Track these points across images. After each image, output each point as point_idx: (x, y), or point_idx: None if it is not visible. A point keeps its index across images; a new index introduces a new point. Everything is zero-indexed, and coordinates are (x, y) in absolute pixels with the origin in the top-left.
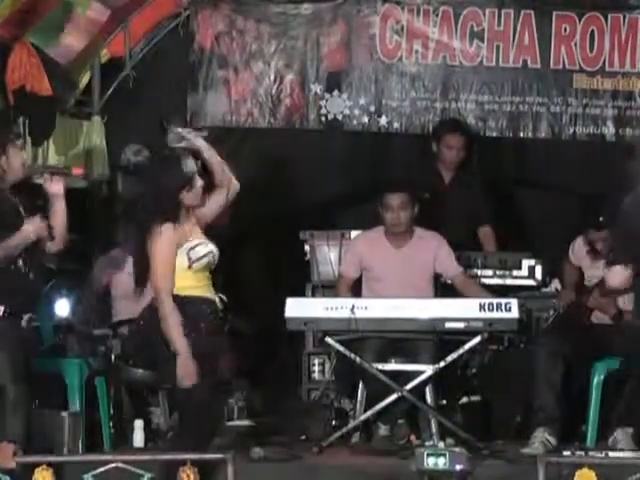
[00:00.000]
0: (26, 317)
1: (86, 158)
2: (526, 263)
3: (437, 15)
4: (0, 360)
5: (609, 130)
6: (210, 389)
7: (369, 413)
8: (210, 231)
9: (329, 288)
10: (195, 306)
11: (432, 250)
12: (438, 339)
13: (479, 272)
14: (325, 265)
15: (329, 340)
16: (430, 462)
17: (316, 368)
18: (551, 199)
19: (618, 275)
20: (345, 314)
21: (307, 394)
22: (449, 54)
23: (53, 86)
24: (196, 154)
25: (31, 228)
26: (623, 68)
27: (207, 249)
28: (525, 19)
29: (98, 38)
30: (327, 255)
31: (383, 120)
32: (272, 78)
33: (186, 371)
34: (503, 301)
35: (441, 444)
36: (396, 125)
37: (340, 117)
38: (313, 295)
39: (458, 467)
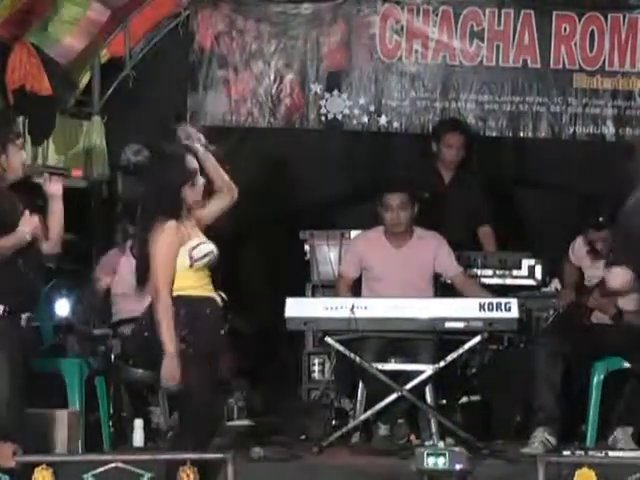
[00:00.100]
0: (25, 316)
1: (86, 158)
2: (526, 263)
3: (437, 15)
4: None
5: (609, 130)
6: (210, 389)
7: (369, 413)
8: (210, 231)
9: (329, 288)
10: (195, 306)
11: (432, 250)
12: (438, 339)
13: (479, 272)
14: (325, 265)
15: (329, 340)
16: (430, 462)
17: (316, 368)
18: (551, 199)
19: (619, 276)
20: (345, 314)
21: (307, 394)
22: (449, 54)
23: (53, 86)
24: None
25: (27, 229)
26: (623, 68)
27: (208, 248)
28: (525, 19)
29: (98, 38)
30: (327, 255)
31: (383, 120)
32: (272, 78)
33: (171, 373)
34: (503, 301)
35: (441, 444)
36: (396, 125)
37: (340, 117)
38: (313, 295)
39: (458, 467)
